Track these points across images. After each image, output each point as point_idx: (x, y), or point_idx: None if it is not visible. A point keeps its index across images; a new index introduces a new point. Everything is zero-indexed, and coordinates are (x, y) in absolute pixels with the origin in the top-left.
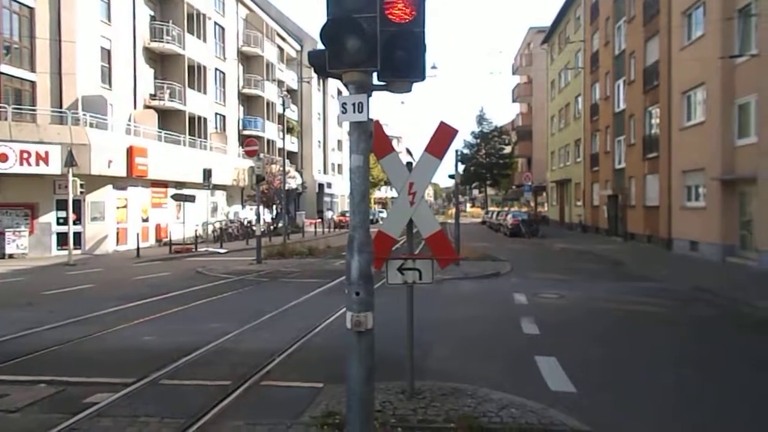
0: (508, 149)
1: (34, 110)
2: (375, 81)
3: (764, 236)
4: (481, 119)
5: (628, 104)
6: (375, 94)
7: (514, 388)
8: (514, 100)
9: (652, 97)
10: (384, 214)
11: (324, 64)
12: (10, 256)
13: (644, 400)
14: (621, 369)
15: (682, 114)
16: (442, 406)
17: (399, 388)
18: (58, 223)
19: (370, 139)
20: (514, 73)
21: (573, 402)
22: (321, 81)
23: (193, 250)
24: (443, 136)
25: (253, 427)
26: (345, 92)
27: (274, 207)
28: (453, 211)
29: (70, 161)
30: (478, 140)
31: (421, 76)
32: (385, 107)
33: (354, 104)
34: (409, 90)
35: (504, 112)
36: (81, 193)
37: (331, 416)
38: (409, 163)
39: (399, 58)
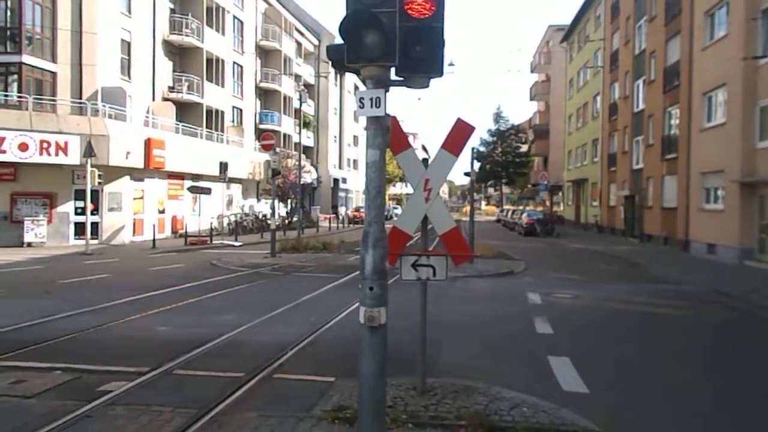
0: (524, 148)
1: (54, 101)
2: (393, 76)
3: None
4: (498, 117)
5: (648, 104)
6: (392, 89)
7: (526, 388)
8: (531, 99)
9: (672, 97)
10: (399, 211)
11: (342, 58)
12: (29, 244)
13: (657, 402)
14: (634, 370)
15: (702, 115)
16: (454, 403)
17: (410, 385)
18: (76, 213)
19: (387, 135)
20: (532, 71)
21: (585, 403)
22: (338, 76)
23: (208, 242)
24: (460, 133)
25: (265, 419)
26: (362, 88)
27: (289, 201)
28: (468, 208)
29: (88, 152)
30: (495, 138)
31: (439, 72)
32: (402, 104)
33: (371, 99)
34: (426, 86)
35: (521, 111)
36: (99, 183)
37: (343, 410)
38: (425, 160)
39: (417, 54)
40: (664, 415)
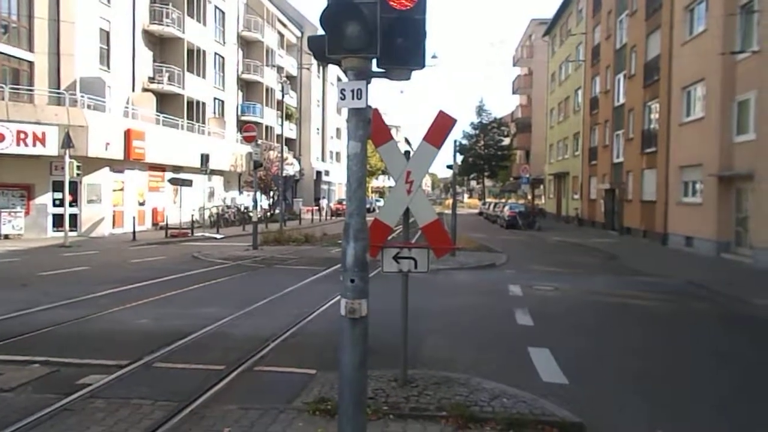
0: (506, 141)
1: (31, 90)
2: (374, 68)
3: (759, 233)
4: (480, 110)
5: (628, 98)
6: (374, 82)
7: (506, 379)
8: (514, 92)
9: (651, 91)
10: (381, 203)
11: (323, 49)
12: (6, 236)
13: (635, 392)
14: (613, 361)
15: (681, 109)
16: (435, 394)
17: (392, 376)
18: (54, 205)
19: (368, 126)
20: (514, 65)
21: (565, 393)
22: (321, 68)
23: (190, 234)
24: (442, 125)
25: (246, 412)
26: (344, 79)
27: (272, 193)
28: (450, 201)
29: (67, 143)
30: (477, 131)
31: (421, 64)
32: (384, 97)
33: (353, 91)
34: (408, 78)
35: (504, 104)
36: (78, 175)
37: (324, 402)
38: (407, 152)
39: (399, 45)
40: (643, 405)
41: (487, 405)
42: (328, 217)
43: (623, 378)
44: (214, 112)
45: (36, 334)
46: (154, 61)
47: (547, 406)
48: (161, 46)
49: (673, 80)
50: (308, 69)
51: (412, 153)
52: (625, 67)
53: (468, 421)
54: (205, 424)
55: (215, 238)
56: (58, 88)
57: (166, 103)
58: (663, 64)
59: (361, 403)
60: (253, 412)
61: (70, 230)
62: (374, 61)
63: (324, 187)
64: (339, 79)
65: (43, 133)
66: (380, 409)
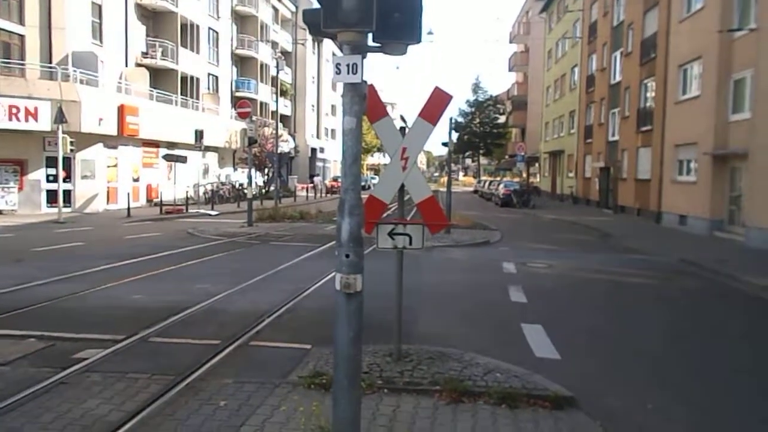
0: (502, 119)
1: (23, 64)
2: (370, 42)
3: (752, 212)
4: (476, 87)
5: (625, 76)
6: (371, 59)
7: (499, 354)
8: (510, 69)
9: (648, 69)
10: (376, 181)
11: (318, 22)
12: (0, 212)
13: (627, 368)
14: (605, 338)
15: (677, 87)
16: (429, 369)
17: (386, 351)
18: (48, 181)
19: (364, 102)
20: (511, 42)
21: (557, 368)
22: (316, 44)
23: (184, 211)
24: (437, 101)
25: (242, 386)
26: (340, 54)
27: (267, 170)
28: (445, 179)
29: (60, 118)
30: (473, 109)
31: (417, 39)
32: (380, 74)
33: (348, 65)
34: (404, 52)
35: (500, 81)
36: (71, 150)
37: (319, 376)
38: (403, 129)
39: (395, 20)
40: (634, 380)
41: (481, 379)
42: (323, 195)
43: (615, 354)
44: (209, 88)
45: (31, 309)
46: (148, 35)
47: (540, 380)
48: (154, 20)
49: (669, 58)
50: (303, 45)
51: (407, 130)
52: (622, 45)
53: (461, 395)
54: (201, 398)
55: (210, 215)
56: (50, 62)
57: (159, 78)
58: (660, 41)
59: (356, 378)
60: (248, 385)
61: (64, 206)
62: (370, 36)
63: (319, 164)
64: (334, 55)
65: (36, 108)
66: (375, 383)
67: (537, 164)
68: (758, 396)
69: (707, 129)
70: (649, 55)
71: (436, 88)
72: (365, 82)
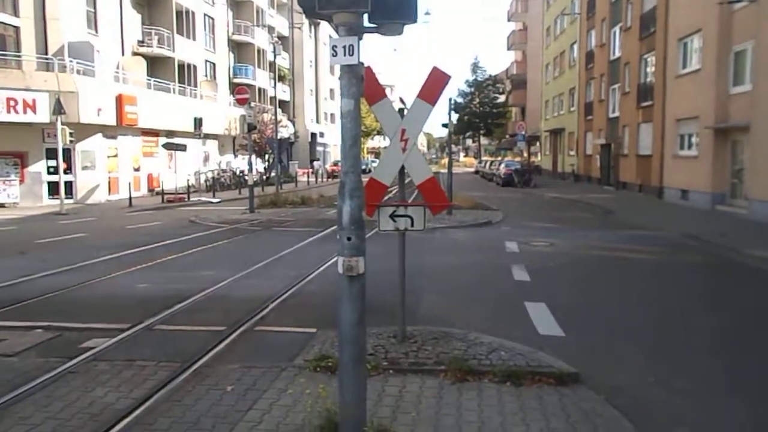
0: (502, 98)
1: (19, 56)
2: (366, 23)
3: (754, 184)
4: (475, 67)
5: (624, 51)
6: (367, 41)
7: (503, 333)
8: (509, 48)
9: (648, 44)
10: (376, 164)
11: (314, 5)
12: (1, 205)
13: (631, 343)
14: (609, 314)
15: (677, 61)
16: (433, 349)
17: (391, 333)
18: (49, 173)
19: (361, 84)
20: (509, 20)
21: (561, 345)
22: (312, 27)
23: (186, 199)
24: (436, 81)
25: (248, 370)
26: (336, 37)
27: (267, 156)
28: (446, 160)
29: (58, 109)
30: (472, 89)
31: (413, 18)
32: (378, 56)
33: (344, 47)
34: (400, 32)
35: (499, 61)
36: (70, 141)
37: (324, 359)
38: (402, 110)
39: (390, 0)
40: (637, 355)
41: (485, 358)
42: (325, 179)
43: (618, 330)
44: (206, 75)
45: (37, 300)
46: (143, 23)
47: (544, 357)
48: (149, 8)
49: (669, 32)
50: (300, 29)
51: (406, 111)
52: (621, 20)
53: (466, 374)
54: (208, 383)
55: (212, 203)
56: (46, 53)
57: (156, 66)
58: (659, 15)
59: (361, 360)
60: (255, 370)
61: (66, 198)
62: (366, 17)
63: (319, 149)
64: (331, 38)
65: (33, 100)
66: (380, 364)
67: (538, 143)
68: (759, 367)
69: (708, 102)
70: (649, 29)
71: (434, 68)
72: (362, 63)
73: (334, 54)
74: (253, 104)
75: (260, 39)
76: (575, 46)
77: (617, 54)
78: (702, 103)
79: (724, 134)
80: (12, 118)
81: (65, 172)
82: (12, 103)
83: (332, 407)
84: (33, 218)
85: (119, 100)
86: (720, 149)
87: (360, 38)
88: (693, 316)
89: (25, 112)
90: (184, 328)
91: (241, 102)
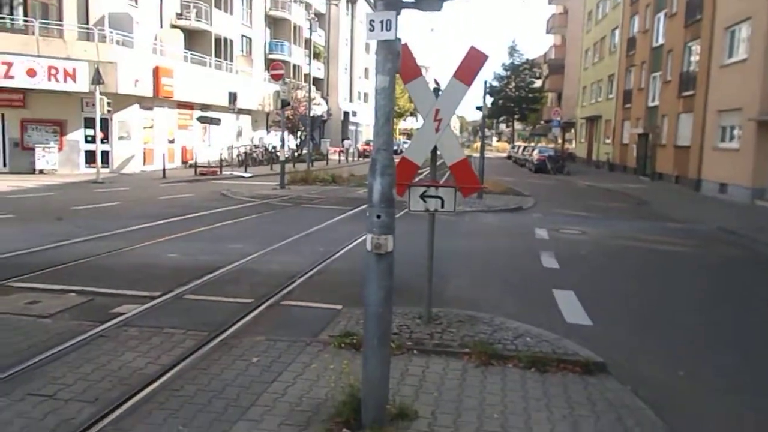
0: (538, 83)
1: (61, 26)
2: None
3: None
4: (512, 50)
5: (668, 38)
6: (405, 18)
7: (530, 319)
8: (548, 32)
9: (693, 31)
10: (407, 145)
11: None
12: (41, 171)
13: (659, 335)
14: (638, 305)
15: (723, 50)
16: (458, 332)
17: (416, 314)
18: (86, 141)
19: (397, 60)
20: (549, 3)
21: (588, 334)
22: (349, 4)
23: (218, 173)
24: (473, 61)
25: (273, 343)
26: (372, 12)
27: (299, 133)
28: (478, 144)
29: (97, 79)
30: (509, 72)
31: None
32: (415, 36)
33: (382, 22)
34: (439, 9)
35: (537, 45)
36: (108, 111)
37: (349, 336)
38: (437, 89)
39: None
40: (666, 347)
41: (510, 343)
42: (356, 158)
43: (648, 321)
44: (242, 50)
45: (72, 265)
46: None
47: (570, 345)
48: None
49: (716, 19)
50: (336, 5)
51: (441, 91)
52: (667, 6)
53: (491, 358)
54: (235, 353)
55: (243, 177)
56: (87, 23)
57: (193, 40)
58: (707, 2)
59: (386, 338)
60: (280, 343)
61: (102, 167)
62: None
63: (351, 128)
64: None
65: (74, 69)
66: (404, 344)
67: (573, 130)
68: None
69: (753, 94)
70: (695, 16)
71: (472, 48)
72: (399, 39)
73: (371, 29)
74: (287, 80)
75: (297, 15)
76: (617, 32)
77: (660, 41)
78: (746, 94)
79: (767, 127)
80: (53, 86)
81: (102, 142)
82: (53, 71)
83: (355, 383)
84: (70, 185)
85: (156, 72)
86: (763, 142)
87: (398, 13)
88: (725, 311)
89: (65, 80)
90: (213, 299)
91: (275, 78)
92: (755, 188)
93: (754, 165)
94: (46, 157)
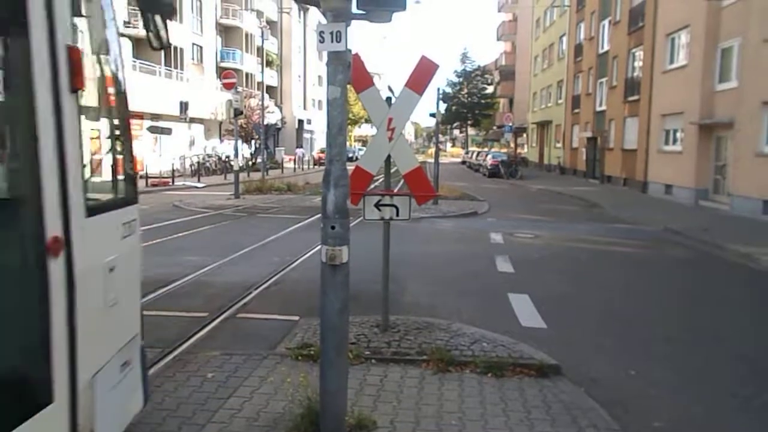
0: (490, 89)
1: None
2: (354, 9)
3: (737, 180)
4: (464, 57)
5: (612, 45)
6: (356, 28)
7: (486, 324)
8: (498, 39)
9: (636, 38)
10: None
11: None
12: None
13: (612, 336)
14: (591, 306)
15: (665, 57)
16: (416, 339)
17: (374, 322)
18: None
19: (348, 71)
20: (499, 11)
21: (543, 337)
22: (302, 12)
23: (170, 183)
24: (424, 70)
25: (229, 357)
26: (324, 23)
27: (253, 142)
28: (433, 150)
29: None
30: (461, 79)
31: (402, 6)
32: (367, 43)
33: (332, 33)
34: (389, 20)
35: (488, 52)
36: None
37: (306, 347)
38: (389, 99)
39: None
40: (618, 348)
41: (467, 349)
42: (311, 166)
43: (600, 322)
44: (193, 59)
45: None
46: (129, 4)
47: (525, 349)
48: None
49: (657, 27)
50: (288, 13)
51: (394, 100)
52: (611, 13)
53: (448, 364)
54: (189, 370)
55: (196, 187)
56: None
57: (142, 48)
58: (648, 10)
59: (343, 348)
60: (236, 357)
61: None
62: (354, 2)
63: (306, 135)
64: (319, 24)
65: None
66: (362, 354)
67: (525, 135)
68: (737, 360)
69: (693, 98)
70: (638, 23)
71: (423, 57)
72: (349, 50)
73: (322, 40)
74: (240, 89)
75: (248, 23)
76: (564, 39)
77: (606, 47)
78: (687, 98)
79: (708, 130)
80: None
81: None
82: None
83: (313, 396)
84: None
85: None
86: (704, 145)
87: (348, 24)
88: (674, 310)
89: None
90: (166, 314)
91: (228, 86)
92: (698, 189)
93: (697, 167)
94: None
